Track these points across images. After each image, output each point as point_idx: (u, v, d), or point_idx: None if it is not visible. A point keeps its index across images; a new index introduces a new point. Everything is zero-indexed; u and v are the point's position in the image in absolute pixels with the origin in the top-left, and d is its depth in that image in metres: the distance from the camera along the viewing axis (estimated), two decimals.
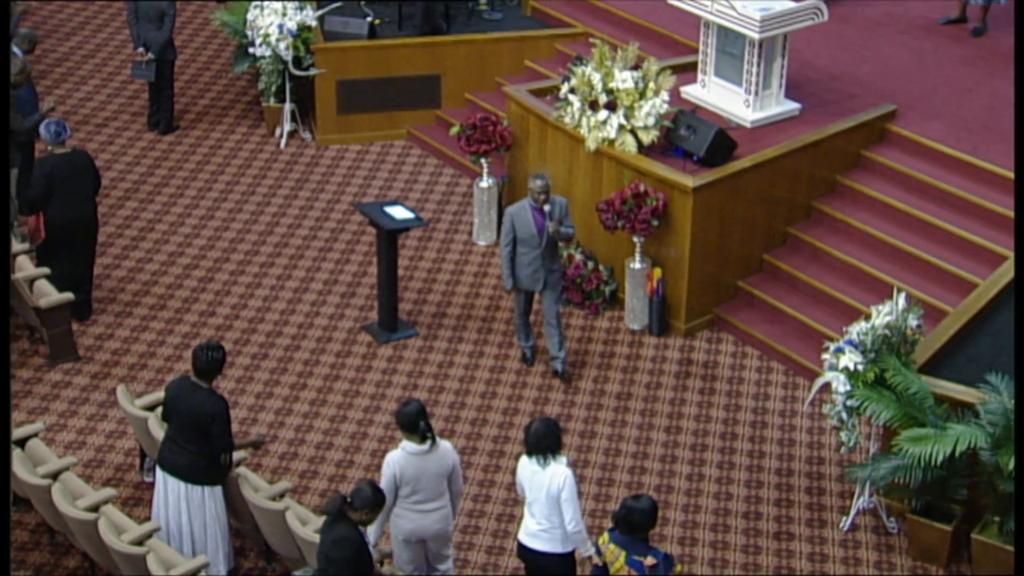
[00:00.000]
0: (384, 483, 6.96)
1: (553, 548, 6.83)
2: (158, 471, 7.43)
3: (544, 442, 6.74)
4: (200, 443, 7.23)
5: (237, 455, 7.68)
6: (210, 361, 7.22)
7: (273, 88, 12.04)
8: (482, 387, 9.37)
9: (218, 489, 7.39)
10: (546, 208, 8.87)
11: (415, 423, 6.89)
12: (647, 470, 8.65)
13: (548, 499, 6.74)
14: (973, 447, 7.43)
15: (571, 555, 6.90)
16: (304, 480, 8.48)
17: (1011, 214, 9.45)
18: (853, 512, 8.18)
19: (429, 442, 6.91)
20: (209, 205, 11.32)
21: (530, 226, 8.93)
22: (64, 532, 7.57)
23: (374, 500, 6.41)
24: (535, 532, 6.85)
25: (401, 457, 6.94)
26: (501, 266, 9.15)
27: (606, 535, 6.50)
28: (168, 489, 7.34)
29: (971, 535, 7.74)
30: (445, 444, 7.02)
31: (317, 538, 6.71)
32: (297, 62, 11.83)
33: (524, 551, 6.94)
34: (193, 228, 11.02)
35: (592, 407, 9.17)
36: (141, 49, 11.74)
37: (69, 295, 9.20)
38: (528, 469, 6.83)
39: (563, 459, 6.78)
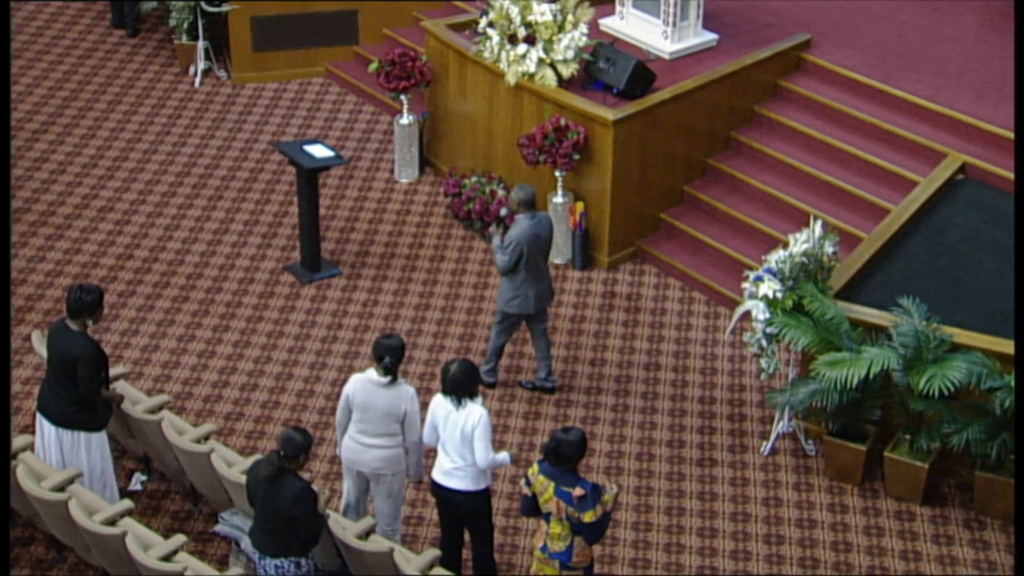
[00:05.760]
0: (341, 401, 7.03)
1: (466, 486, 6.88)
2: (38, 414, 7.26)
3: (462, 386, 6.77)
4: (69, 387, 7.03)
5: (155, 400, 7.60)
6: (77, 301, 6.97)
7: (185, 25, 11.74)
8: (407, 325, 9.37)
9: (96, 436, 7.17)
10: (502, 213, 8.07)
11: (381, 354, 6.89)
12: (573, 402, 8.75)
13: (463, 438, 6.79)
14: (886, 369, 7.63)
15: (485, 492, 6.96)
16: (229, 422, 8.44)
17: (921, 140, 9.65)
18: (773, 437, 8.39)
19: (388, 377, 6.91)
20: (123, 146, 11.06)
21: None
22: None
23: (305, 442, 6.39)
24: (449, 470, 6.88)
25: (358, 380, 6.98)
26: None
27: (535, 466, 6.58)
28: (44, 432, 7.19)
29: (884, 453, 7.99)
30: (406, 387, 6.96)
31: (243, 480, 6.70)
32: None
33: (438, 489, 6.97)
34: (107, 170, 10.77)
35: (517, 342, 9.21)
36: None
37: None
38: (443, 408, 6.87)
39: (479, 399, 6.83)
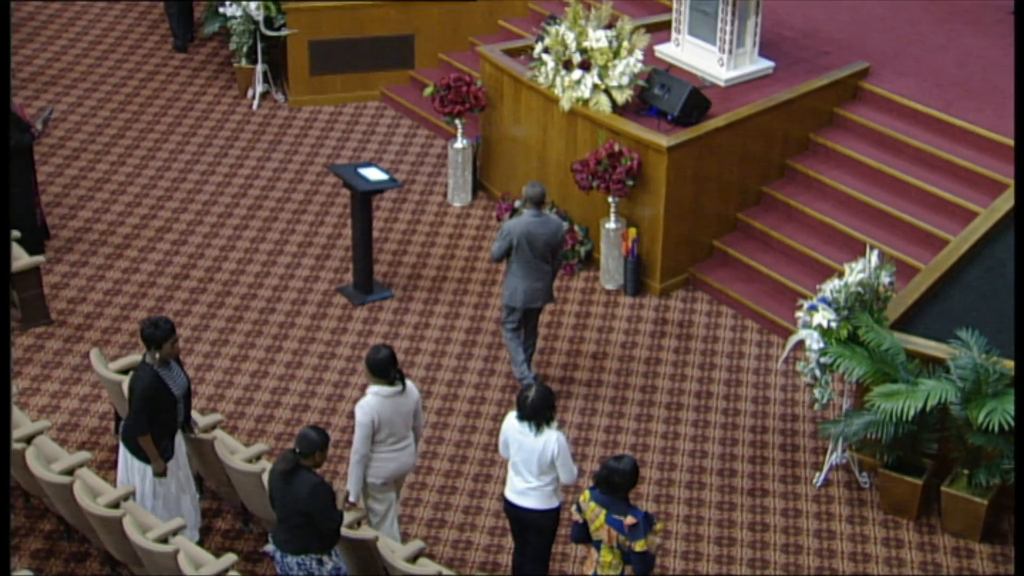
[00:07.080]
0: (362, 432, 7.03)
1: (539, 505, 6.99)
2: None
3: (540, 413, 6.84)
4: None
5: (207, 419, 7.67)
6: (140, 333, 7.08)
7: (245, 49, 11.92)
8: (458, 348, 9.38)
9: (151, 467, 7.22)
10: (517, 204, 8.36)
11: (386, 370, 7.00)
12: (623, 429, 8.71)
13: (539, 463, 6.87)
14: (943, 402, 7.51)
15: (556, 510, 7.05)
16: (280, 443, 8.49)
17: (981, 170, 9.52)
18: (826, 468, 8.27)
19: (400, 386, 7.04)
20: (181, 167, 11.23)
21: None
22: (39, 495, 7.57)
23: (321, 440, 6.50)
24: (523, 490, 6.97)
25: (376, 402, 7.03)
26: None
27: (586, 493, 6.57)
28: (122, 453, 7.35)
29: (941, 488, 7.85)
30: (410, 384, 7.18)
31: None
32: (268, 22, 11.71)
33: (511, 508, 7.07)
34: (166, 191, 10.94)
35: (568, 367, 9.20)
36: None
37: (40, 258, 9.14)
38: (517, 431, 6.91)
39: (555, 424, 6.89)
